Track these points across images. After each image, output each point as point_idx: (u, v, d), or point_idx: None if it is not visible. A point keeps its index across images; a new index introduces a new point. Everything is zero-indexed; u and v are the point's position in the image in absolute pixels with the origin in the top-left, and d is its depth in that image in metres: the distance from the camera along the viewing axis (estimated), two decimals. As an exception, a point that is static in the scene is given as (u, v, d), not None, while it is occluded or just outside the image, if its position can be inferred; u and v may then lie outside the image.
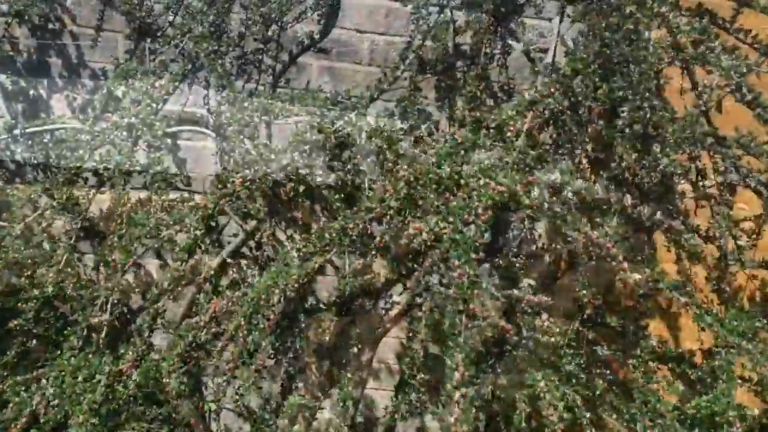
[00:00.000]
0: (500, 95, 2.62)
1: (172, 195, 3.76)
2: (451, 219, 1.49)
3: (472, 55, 2.73)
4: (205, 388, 2.62)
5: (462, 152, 1.74)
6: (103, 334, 1.86)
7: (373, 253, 2.02)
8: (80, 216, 2.20)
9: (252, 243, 3.53)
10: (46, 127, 3.62)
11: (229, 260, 3.46)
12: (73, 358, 1.83)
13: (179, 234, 1.93)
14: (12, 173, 3.93)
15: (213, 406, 2.31)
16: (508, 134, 1.72)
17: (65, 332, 1.99)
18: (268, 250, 3.85)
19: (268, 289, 1.72)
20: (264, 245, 3.66)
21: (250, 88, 2.59)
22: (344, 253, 1.96)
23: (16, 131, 3.53)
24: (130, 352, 1.77)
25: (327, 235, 1.80)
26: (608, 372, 2.55)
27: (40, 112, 3.85)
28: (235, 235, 3.53)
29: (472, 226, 1.46)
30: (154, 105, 2.21)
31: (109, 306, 1.88)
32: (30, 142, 3.73)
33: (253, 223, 3.09)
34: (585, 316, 2.31)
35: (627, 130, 2.41)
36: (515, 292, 1.32)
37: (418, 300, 1.52)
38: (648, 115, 2.53)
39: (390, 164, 2.16)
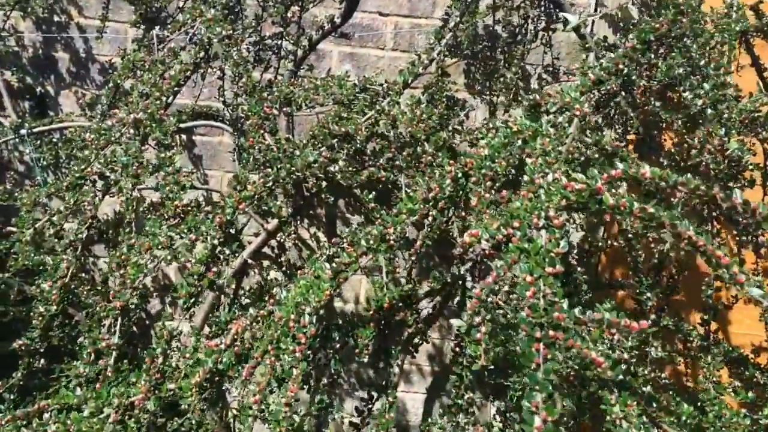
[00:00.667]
0: (545, 77, 2.35)
1: (191, 194, 3.57)
2: (515, 223, 1.22)
3: (510, 35, 2.46)
4: (229, 393, 2.39)
5: (519, 142, 1.47)
6: (111, 360, 1.61)
7: (413, 260, 1.76)
8: (86, 224, 1.96)
9: (274, 243, 3.30)
10: (54, 126, 3.40)
11: (249, 261, 3.24)
12: (78, 389, 1.59)
13: (195, 243, 1.67)
14: (21, 175, 3.72)
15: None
16: (575, 119, 1.45)
17: (67, 366, 1.75)
18: (292, 251, 3.62)
19: (297, 306, 1.47)
20: (287, 246, 3.43)
21: (268, 77, 2.33)
22: (380, 261, 1.70)
23: (23, 131, 3.32)
24: (143, 381, 1.52)
25: (364, 242, 1.54)
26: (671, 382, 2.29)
27: (47, 110, 3.64)
28: (256, 235, 3.30)
29: (544, 232, 1.19)
30: (164, 98, 1.96)
31: (117, 327, 1.64)
32: (39, 142, 3.53)
33: (275, 222, 2.86)
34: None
35: (693, 111, 2.12)
36: (607, 315, 1.05)
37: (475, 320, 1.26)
38: (710, 94, 2.24)
39: (429, 158, 1.90)
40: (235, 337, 1.52)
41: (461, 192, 1.62)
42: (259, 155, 1.87)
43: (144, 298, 3.29)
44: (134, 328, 3.63)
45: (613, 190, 1.17)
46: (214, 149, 3.58)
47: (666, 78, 2.27)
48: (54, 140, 3.51)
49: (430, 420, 2.68)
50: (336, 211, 3.65)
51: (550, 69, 2.33)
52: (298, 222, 3.32)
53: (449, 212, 1.75)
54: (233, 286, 1.78)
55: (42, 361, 2.28)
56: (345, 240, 2.12)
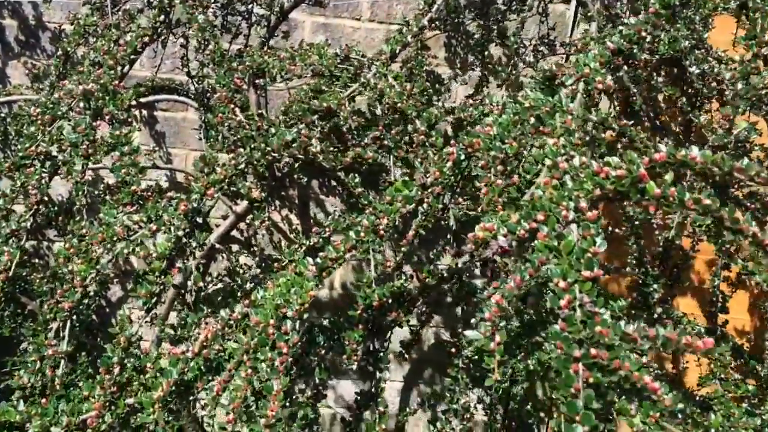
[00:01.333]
0: (541, 48, 2.13)
1: (153, 174, 3.28)
2: (539, 216, 1.01)
3: (505, 3, 2.24)
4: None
5: (532, 120, 1.26)
6: (59, 372, 1.37)
7: (404, 251, 1.55)
8: (31, 210, 1.69)
9: (243, 226, 3.05)
10: (0, 100, 3.09)
11: (217, 246, 3.00)
12: (22, 403, 1.35)
13: (156, 233, 1.43)
14: (-33, 153, 3.40)
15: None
16: (596, 93, 1.24)
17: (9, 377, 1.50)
18: (263, 234, 3.38)
19: (277, 309, 1.25)
20: (257, 229, 3.19)
21: (238, 45, 2.07)
22: (369, 254, 1.49)
23: (-33, 105, 3.01)
24: (97, 395, 1.28)
25: (353, 234, 1.32)
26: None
27: (-6, 82, 3.31)
28: (224, 217, 3.06)
29: (575, 227, 0.99)
30: (118, 68, 1.69)
31: (66, 332, 1.39)
32: (-15, 117, 3.20)
33: (244, 203, 2.65)
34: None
35: (697, 86, 1.94)
36: (662, 331, 0.86)
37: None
38: (716, 69, 2.07)
39: (421, 137, 1.68)
40: (205, 344, 1.29)
41: (460, 176, 1.42)
42: (229, 133, 1.63)
43: (104, 285, 3.02)
44: (93, 316, 3.37)
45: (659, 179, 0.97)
46: (178, 126, 3.31)
47: (670, 51, 2.08)
48: (2, 115, 3.19)
49: (408, 409, 2.49)
50: (309, 192, 3.42)
51: (546, 41, 2.12)
52: (270, 204, 3.06)
53: (444, 198, 1.54)
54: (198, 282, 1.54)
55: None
56: (327, 229, 1.91)
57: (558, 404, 0.90)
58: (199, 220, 1.45)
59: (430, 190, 1.32)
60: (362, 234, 1.31)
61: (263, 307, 1.29)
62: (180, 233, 1.41)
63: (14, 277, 3.14)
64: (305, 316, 1.24)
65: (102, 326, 3.53)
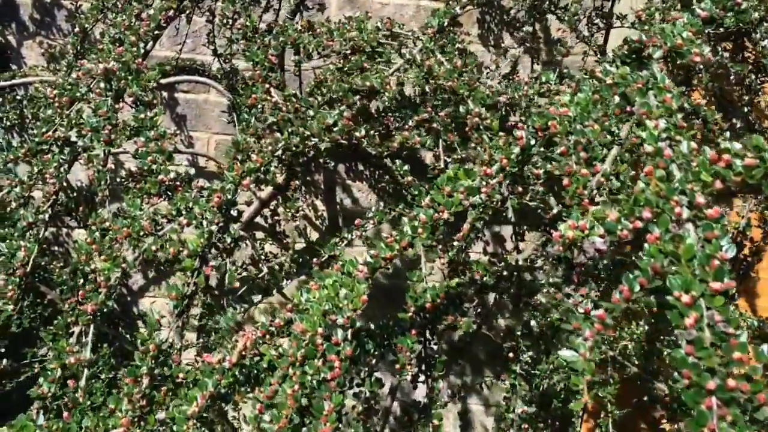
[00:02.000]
0: (596, 21, 1.94)
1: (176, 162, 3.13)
2: (645, 213, 0.84)
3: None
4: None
5: (616, 99, 1.08)
6: (82, 382, 1.22)
7: (461, 246, 1.38)
8: (49, 201, 1.54)
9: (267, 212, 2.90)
10: (16, 81, 2.93)
11: (241, 233, 2.85)
12: (41, 415, 1.21)
13: (187, 228, 1.27)
14: (-18, 137, 3.26)
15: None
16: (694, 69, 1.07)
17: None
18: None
19: (326, 316, 1.09)
20: (281, 216, 3.03)
21: (268, 19, 1.90)
22: (416, 248, 1.32)
23: (-19, 87, 2.86)
24: (123, 410, 1.14)
25: (408, 230, 1.16)
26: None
27: (9, 63, 3.16)
28: (248, 203, 2.92)
29: (691, 227, 0.82)
30: (141, 44, 1.53)
31: (90, 337, 1.25)
32: (0, 99, 3.06)
33: (269, 189, 2.50)
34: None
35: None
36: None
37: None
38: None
39: (475, 119, 1.50)
40: (243, 353, 1.14)
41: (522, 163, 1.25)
42: (263, 116, 1.46)
43: (125, 275, 2.89)
44: (114, 306, 3.24)
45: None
46: (200, 108, 3.15)
47: (739, 24, 1.89)
48: (18, 97, 3.05)
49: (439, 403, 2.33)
50: (336, 177, 3.26)
51: (600, 12, 1.93)
52: (297, 190, 2.89)
53: (503, 187, 1.37)
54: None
55: (4, 361, 1.90)
56: (371, 221, 1.75)
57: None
58: (233, 212, 1.29)
59: (496, 180, 1.15)
60: (420, 230, 1.15)
61: (309, 313, 1.13)
62: (213, 228, 1.25)
63: (33, 266, 3.01)
64: (357, 324, 1.08)
65: (123, 315, 3.41)
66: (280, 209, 3.10)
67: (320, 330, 1.08)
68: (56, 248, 3.23)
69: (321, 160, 3.03)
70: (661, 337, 2.23)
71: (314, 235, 3.44)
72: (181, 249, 1.25)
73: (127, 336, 3.51)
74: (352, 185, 3.36)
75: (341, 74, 1.95)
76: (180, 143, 3.21)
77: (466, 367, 3.56)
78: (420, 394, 3.58)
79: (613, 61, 1.18)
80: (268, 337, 1.15)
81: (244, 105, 1.44)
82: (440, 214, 1.15)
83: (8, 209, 2.17)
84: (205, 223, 1.26)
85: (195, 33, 3.03)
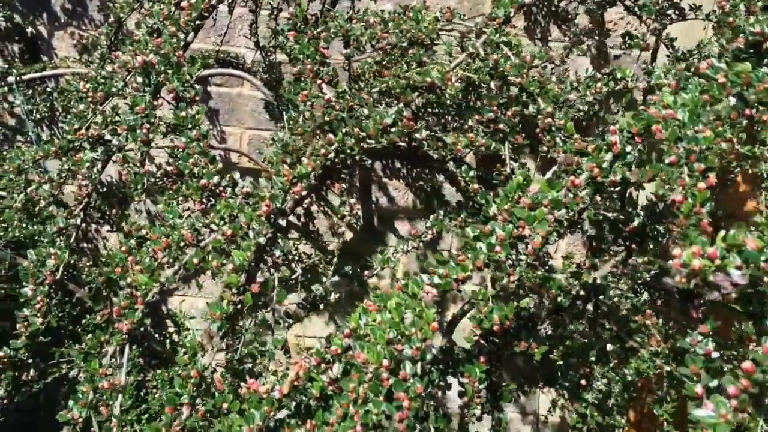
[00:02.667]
0: (669, 12, 1.76)
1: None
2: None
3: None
4: None
5: (732, 100, 0.93)
6: (116, 409, 1.09)
7: (528, 262, 1.23)
8: (81, 203, 1.43)
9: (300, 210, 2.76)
10: (46, 73, 2.83)
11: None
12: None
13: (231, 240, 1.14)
14: (11, 129, 3.16)
15: None
16: None
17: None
18: (320, 219, 3.09)
19: (391, 345, 0.96)
20: (314, 215, 2.90)
21: (313, 9, 1.75)
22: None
23: (11, 78, 2.76)
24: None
25: (485, 247, 1.01)
26: None
27: (40, 54, 3.07)
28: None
29: None
30: (181, 35, 1.40)
31: (125, 358, 1.12)
32: (30, 91, 2.97)
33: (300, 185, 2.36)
34: None
35: None
36: None
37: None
38: None
39: (547, 119, 1.35)
40: (296, 383, 1.00)
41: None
42: (313, 114, 1.32)
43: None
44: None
45: None
46: (233, 102, 3.02)
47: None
48: (48, 89, 2.95)
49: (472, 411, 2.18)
50: (372, 175, 3.12)
51: (672, 2, 1.75)
52: (328, 188, 2.76)
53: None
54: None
55: (32, 372, 1.80)
56: (430, 232, 1.60)
57: None
58: (282, 222, 1.16)
59: (585, 192, 1.00)
60: (498, 248, 1.00)
61: (370, 340, 1.00)
62: (261, 239, 1.12)
63: (55, 288, 2.89)
64: (429, 356, 0.94)
65: (152, 313, 3.30)
66: (314, 207, 2.97)
67: (385, 362, 0.94)
68: (85, 245, 3.13)
69: (357, 158, 2.89)
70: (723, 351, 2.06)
71: (348, 235, 3.31)
72: (225, 262, 1.12)
73: (156, 335, 3.41)
74: (389, 183, 3.22)
75: (380, 68, 1.81)
76: (212, 138, 3.09)
77: (503, 372, 3.40)
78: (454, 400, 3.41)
79: (721, 56, 1.02)
80: (324, 365, 1.01)
81: (292, 102, 1.30)
82: (521, 230, 1.00)
83: (37, 208, 2.06)
84: (251, 234, 1.12)
85: (227, 24, 2.90)
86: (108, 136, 1.39)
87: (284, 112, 1.84)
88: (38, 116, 2.98)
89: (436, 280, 1.05)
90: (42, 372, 2.88)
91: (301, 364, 1.01)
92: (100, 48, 1.94)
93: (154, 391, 2.87)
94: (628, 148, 1.01)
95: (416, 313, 1.00)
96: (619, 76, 1.50)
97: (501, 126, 1.35)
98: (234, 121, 3.08)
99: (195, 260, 1.13)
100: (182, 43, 1.41)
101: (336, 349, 1.02)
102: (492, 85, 1.36)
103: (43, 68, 2.78)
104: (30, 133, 2.87)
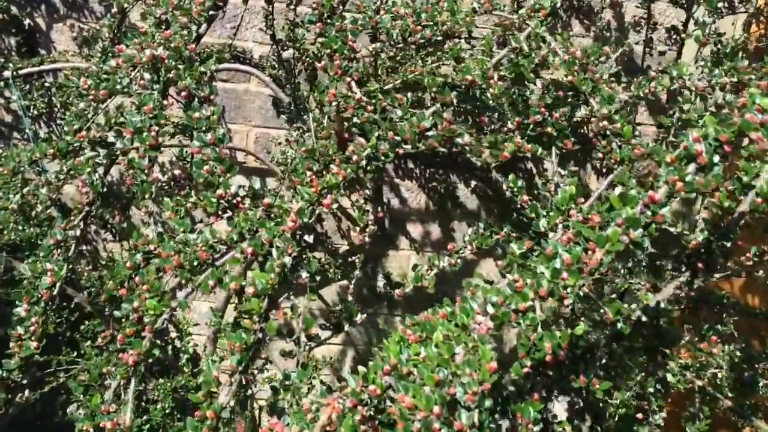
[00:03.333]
0: (719, 6, 1.60)
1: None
2: None
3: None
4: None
5: None
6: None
7: (584, 282, 1.09)
8: (81, 213, 1.28)
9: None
10: (44, 68, 2.67)
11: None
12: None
13: (252, 260, 1.00)
14: (8, 126, 3.01)
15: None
16: None
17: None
18: (329, 220, 2.94)
19: (440, 388, 0.81)
20: (323, 216, 2.76)
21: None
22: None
23: (7, 72, 2.61)
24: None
25: (546, 272, 0.87)
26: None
27: (37, 47, 2.91)
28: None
29: None
30: (194, 27, 1.25)
31: (130, 393, 0.98)
32: (27, 86, 2.81)
33: None
34: None
35: None
36: None
37: None
38: None
39: (603, 122, 1.20)
40: (328, 428, 0.86)
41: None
42: (340, 116, 1.18)
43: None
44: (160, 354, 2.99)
45: None
46: (239, 98, 2.87)
47: None
48: (46, 84, 2.79)
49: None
50: (383, 175, 2.97)
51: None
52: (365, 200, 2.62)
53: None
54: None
55: (26, 392, 1.66)
56: (468, 246, 1.45)
57: None
58: (309, 238, 1.01)
59: (666, 209, 0.86)
60: (564, 274, 0.86)
61: (415, 379, 0.85)
62: (287, 259, 0.97)
63: (51, 306, 2.73)
64: (488, 403, 0.79)
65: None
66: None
67: (436, 409, 0.80)
68: (84, 246, 2.99)
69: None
70: (757, 365, 1.93)
71: (357, 238, 3.16)
72: (244, 284, 0.98)
73: (157, 340, 3.27)
74: (401, 184, 3.07)
75: (394, 64, 1.66)
76: (219, 136, 2.94)
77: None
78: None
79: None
80: (362, 407, 0.87)
81: (317, 102, 1.15)
82: (592, 253, 0.86)
83: (33, 212, 1.91)
84: (275, 252, 0.98)
85: (234, 17, 2.76)
86: (111, 139, 1.24)
87: (301, 113, 1.69)
88: (36, 112, 2.83)
89: (490, 308, 0.90)
90: (38, 381, 2.74)
91: (333, 405, 0.87)
92: (101, 41, 1.79)
93: (156, 402, 2.72)
94: (716, 159, 0.86)
95: (469, 349, 0.86)
96: (675, 74, 1.35)
97: (549, 129, 1.21)
98: (240, 118, 2.94)
99: (211, 282, 0.98)
100: (194, 36, 1.27)
101: (375, 390, 0.88)
102: (538, 83, 1.21)
103: (41, 62, 2.63)
104: (27, 130, 2.72)
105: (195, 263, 1.01)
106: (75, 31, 2.75)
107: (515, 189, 1.21)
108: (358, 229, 1.56)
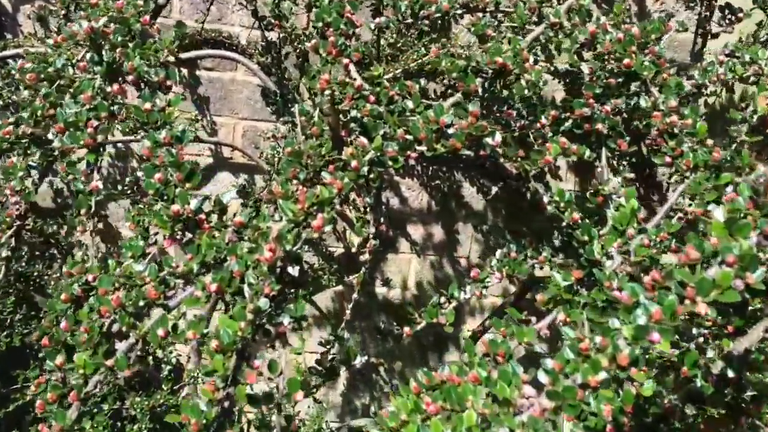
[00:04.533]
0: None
1: (195, 149, 2.57)
2: None
3: None
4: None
5: None
6: None
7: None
8: (10, 228, 1.00)
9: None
10: (7, 53, 2.40)
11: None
12: None
13: (217, 301, 0.73)
14: (-28, 117, 2.74)
15: None
16: None
17: None
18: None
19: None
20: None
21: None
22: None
23: (-30, 58, 2.33)
24: None
25: (627, 332, 0.60)
26: None
27: (4, 31, 2.63)
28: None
29: None
30: (151, 2, 0.98)
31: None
32: (-9, 73, 2.54)
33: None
34: None
35: None
36: None
37: None
38: None
39: (673, 119, 0.93)
40: None
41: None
42: (335, 108, 0.91)
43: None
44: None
45: None
46: (225, 89, 2.59)
47: None
48: (12, 72, 2.51)
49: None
50: (382, 172, 2.70)
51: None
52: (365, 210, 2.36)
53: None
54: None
55: None
56: (496, 273, 1.15)
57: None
58: (293, 271, 0.74)
59: None
60: (654, 335, 0.59)
61: None
62: (262, 302, 0.70)
63: (25, 274, 2.42)
64: None
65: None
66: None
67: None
68: (54, 251, 2.71)
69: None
70: None
71: (354, 239, 2.90)
72: (206, 333, 0.71)
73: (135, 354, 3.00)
74: (401, 182, 2.80)
75: (394, 51, 1.41)
76: (201, 130, 2.66)
77: None
78: None
79: None
80: None
81: (309, 89, 0.88)
82: (692, 303, 0.59)
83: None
84: (247, 291, 0.71)
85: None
86: (51, 136, 0.96)
87: (289, 104, 1.41)
88: (1, 102, 2.55)
89: (543, 377, 0.64)
90: (2, 398, 2.48)
91: None
92: (56, 17, 1.50)
93: (134, 421, 2.46)
94: None
95: (516, 439, 0.59)
96: (748, 58, 1.08)
97: (599, 126, 0.94)
98: (226, 110, 2.66)
99: (160, 331, 0.71)
100: (151, 6, 0.99)
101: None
102: (584, 68, 0.94)
103: (4, 47, 2.34)
104: (-10, 123, 2.44)
105: (141, 303, 0.74)
106: (44, 14, 2.46)
107: (562, 204, 0.93)
108: (355, 241, 1.28)
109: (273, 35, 1.66)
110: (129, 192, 1.43)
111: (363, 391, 3.04)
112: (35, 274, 2.33)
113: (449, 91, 1.34)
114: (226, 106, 2.72)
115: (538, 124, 1.04)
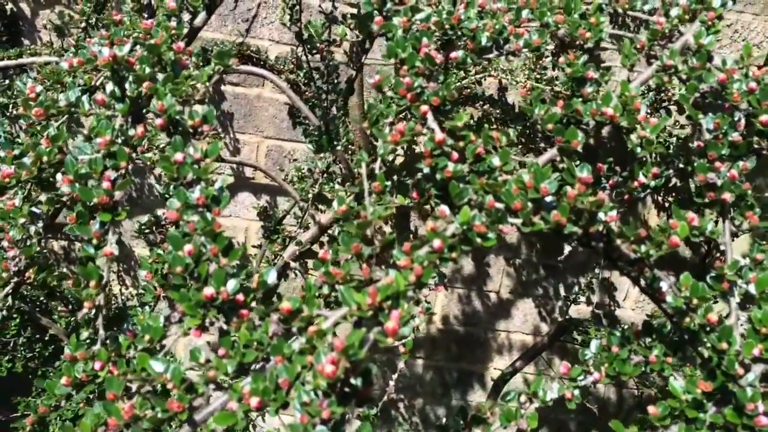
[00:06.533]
0: None
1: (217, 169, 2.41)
2: None
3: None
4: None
5: None
6: None
7: None
8: (5, 287, 0.83)
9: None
10: (24, 61, 2.24)
11: (292, 263, 2.21)
12: None
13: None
14: (-16, 128, 2.59)
15: None
16: None
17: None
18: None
19: None
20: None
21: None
22: None
23: (-19, 66, 2.18)
24: None
25: None
26: None
27: (21, 37, 2.48)
28: (305, 227, 2.28)
29: None
30: (186, 16, 0.81)
31: None
32: (6, 81, 2.39)
33: (330, 214, 1.88)
34: None
35: None
36: None
37: None
38: None
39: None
40: None
41: None
42: (405, 166, 0.73)
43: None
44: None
45: None
46: (251, 105, 2.43)
47: None
48: (27, 80, 2.37)
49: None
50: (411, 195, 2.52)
51: None
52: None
53: None
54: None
55: None
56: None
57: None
58: (357, 382, 0.56)
59: None
60: None
61: None
62: (319, 430, 0.52)
63: (30, 296, 2.28)
64: None
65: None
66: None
67: None
68: (65, 267, 2.54)
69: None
70: None
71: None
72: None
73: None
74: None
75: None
76: (224, 149, 2.50)
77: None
78: None
79: None
80: None
81: (379, 136, 0.70)
82: None
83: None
84: (298, 413, 0.53)
85: (249, 11, 2.33)
86: (55, 182, 0.79)
87: (334, 141, 1.24)
88: (15, 112, 2.40)
89: None
90: (3, 425, 2.33)
91: None
92: (75, 28, 1.34)
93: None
94: None
95: None
96: None
97: (725, 196, 0.75)
98: (251, 128, 2.50)
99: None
100: (185, 30, 0.82)
101: None
102: (706, 123, 0.76)
103: (19, 54, 2.19)
104: (0, 133, 2.28)
105: (160, 415, 0.57)
106: (64, 20, 2.31)
107: (695, 300, 0.73)
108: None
109: (332, 58, 1.50)
110: (147, 231, 1.26)
111: (380, 429, 2.84)
112: (41, 298, 2.17)
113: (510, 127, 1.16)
114: (251, 124, 2.58)
115: (636, 183, 0.86)
